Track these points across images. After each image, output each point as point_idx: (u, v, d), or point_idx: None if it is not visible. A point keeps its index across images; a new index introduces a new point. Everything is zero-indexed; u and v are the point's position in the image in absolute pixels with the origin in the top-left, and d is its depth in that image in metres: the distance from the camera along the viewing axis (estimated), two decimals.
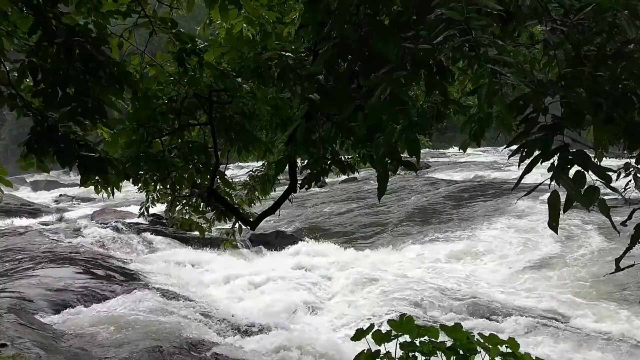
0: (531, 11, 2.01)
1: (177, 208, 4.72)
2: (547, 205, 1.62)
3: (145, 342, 6.20)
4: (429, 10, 1.72)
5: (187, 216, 4.91)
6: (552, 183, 1.56)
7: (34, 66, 2.70)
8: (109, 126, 3.32)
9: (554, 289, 8.87)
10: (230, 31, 3.97)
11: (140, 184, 4.04)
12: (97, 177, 3.19)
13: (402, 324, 2.07)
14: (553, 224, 1.62)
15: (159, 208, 5.27)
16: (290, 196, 4.08)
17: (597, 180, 1.54)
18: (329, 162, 3.05)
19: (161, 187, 4.33)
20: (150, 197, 4.79)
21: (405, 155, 1.97)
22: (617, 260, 2.41)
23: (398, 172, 2.02)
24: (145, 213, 5.03)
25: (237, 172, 10.83)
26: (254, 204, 5.52)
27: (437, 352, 2.01)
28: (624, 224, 2.77)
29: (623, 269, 2.46)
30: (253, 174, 5.53)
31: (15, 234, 11.77)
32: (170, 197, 4.62)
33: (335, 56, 2.06)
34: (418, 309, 8.00)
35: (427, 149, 25.83)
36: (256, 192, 5.48)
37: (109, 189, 3.48)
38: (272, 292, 8.93)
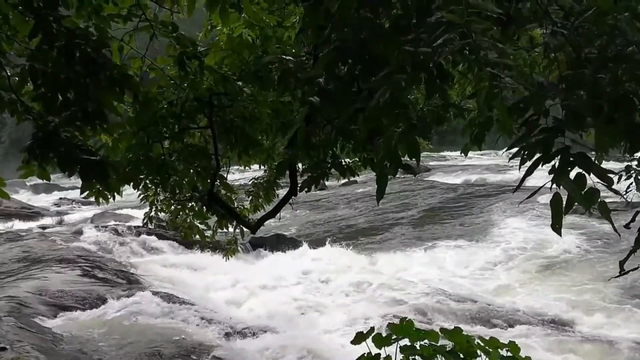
0: (531, 14, 2.01)
1: (178, 214, 4.71)
2: (548, 207, 1.61)
3: (145, 345, 6.19)
4: (429, 13, 1.72)
5: (188, 220, 4.89)
6: (554, 185, 1.55)
7: (34, 70, 2.70)
8: (108, 132, 3.32)
9: (557, 292, 8.85)
10: (231, 36, 3.97)
11: (140, 188, 4.03)
12: (98, 184, 3.17)
13: (403, 327, 2.07)
14: (556, 227, 1.61)
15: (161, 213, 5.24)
16: (290, 200, 4.07)
17: (598, 182, 1.54)
18: (329, 165, 3.05)
19: (162, 192, 4.32)
20: (153, 207, 4.77)
21: (405, 158, 1.97)
22: (621, 263, 2.40)
23: (398, 175, 2.02)
24: (149, 223, 5.00)
25: (238, 176, 10.82)
26: (259, 210, 5.48)
27: (438, 355, 2.00)
28: (627, 226, 2.76)
29: (627, 271, 2.45)
30: (256, 181, 5.51)
31: (15, 237, 11.78)
32: (173, 207, 4.60)
33: (335, 60, 2.06)
34: (418, 312, 7.98)
35: (427, 153, 25.84)
36: (260, 199, 5.46)
37: (108, 195, 3.46)
38: (272, 296, 8.93)
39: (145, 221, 4.93)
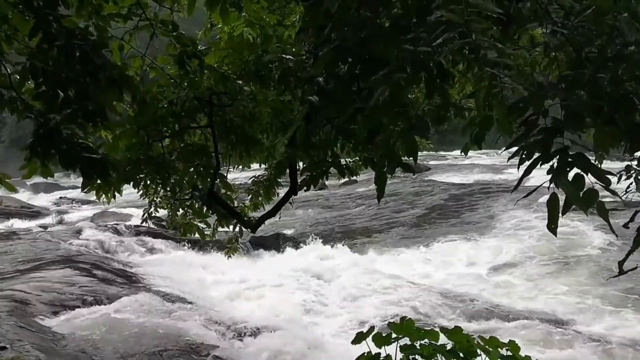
0: (531, 14, 2.01)
1: (178, 212, 4.71)
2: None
3: (145, 344, 6.19)
4: (429, 12, 1.72)
5: (187, 218, 4.89)
6: (552, 185, 1.55)
7: (35, 68, 2.70)
8: (109, 129, 3.32)
9: (557, 292, 8.83)
10: (232, 35, 3.97)
11: (140, 188, 4.03)
12: (99, 181, 3.18)
13: (403, 326, 2.07)
14: (552, 227, 1.61)
15: (160, 211, 5.24)
16: (290, 199, 4.07)
17: (596, 183, 1.54)
18: (329, 164, 3.05)
19: (162, 191, 4.32)
20: (152, 203, 4.77)
21: (404, 157, 1.97)
22: (620, 263, 2.40)
23: (398, 175, 2.02)
24: (148, 219, 4.99)
25: (239, 175, 10.80)
26: (259, 209, 5.48)
27: (438, 354, 2.00)
28: (626, 226, 2.76)
29: (626, 272, 2.45)
30: (257, 179, 5.51)
31: (15, 236, 11.78)
32: (171, 204, 4.60)
33: (335, 59, 2.06)
34: (419, 311, 7.98)
35: (427, 152, 25.81)
36: (260, 198, 5.45)
37: (109, 193, 3.46)
38: (272, 295, 8.93)
39: (144, 217, 4.92)
